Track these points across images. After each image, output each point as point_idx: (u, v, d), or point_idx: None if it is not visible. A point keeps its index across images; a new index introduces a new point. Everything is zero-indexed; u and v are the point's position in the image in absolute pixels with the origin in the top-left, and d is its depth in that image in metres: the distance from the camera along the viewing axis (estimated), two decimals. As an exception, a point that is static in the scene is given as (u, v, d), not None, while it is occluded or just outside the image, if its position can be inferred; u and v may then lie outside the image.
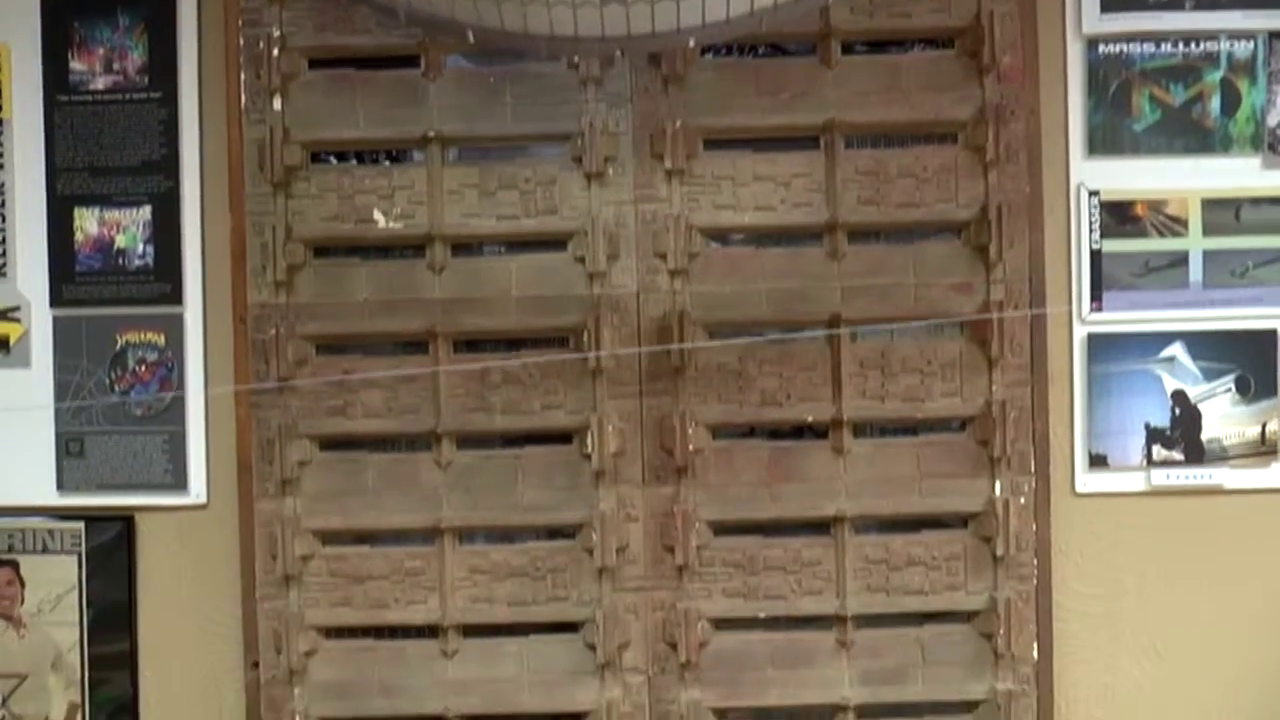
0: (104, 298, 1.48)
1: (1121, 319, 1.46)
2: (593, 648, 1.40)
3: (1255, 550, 1.47)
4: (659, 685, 1.41)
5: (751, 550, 1.41)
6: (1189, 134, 1.45)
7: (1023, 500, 1.40)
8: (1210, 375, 1.45)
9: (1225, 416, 1.46)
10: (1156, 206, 1.46)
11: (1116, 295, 1.46)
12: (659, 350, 1.38)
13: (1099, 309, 1.46)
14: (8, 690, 1.51)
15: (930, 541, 1.41)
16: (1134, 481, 1.46)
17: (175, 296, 1.48)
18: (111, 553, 1.49)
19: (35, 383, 1.48)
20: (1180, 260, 1.46)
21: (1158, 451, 1.45)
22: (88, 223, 1.48)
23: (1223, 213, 1.46)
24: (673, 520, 1.39)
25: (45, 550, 1.50)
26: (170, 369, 1.47)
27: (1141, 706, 1.48)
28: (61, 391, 1.48)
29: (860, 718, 1.42)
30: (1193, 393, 1.45)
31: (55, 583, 1.50)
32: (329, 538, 1.42)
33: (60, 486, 1.49)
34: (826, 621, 1.42)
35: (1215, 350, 1.45)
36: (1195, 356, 1.45)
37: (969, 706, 1.43)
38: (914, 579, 1.41)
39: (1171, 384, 1.45)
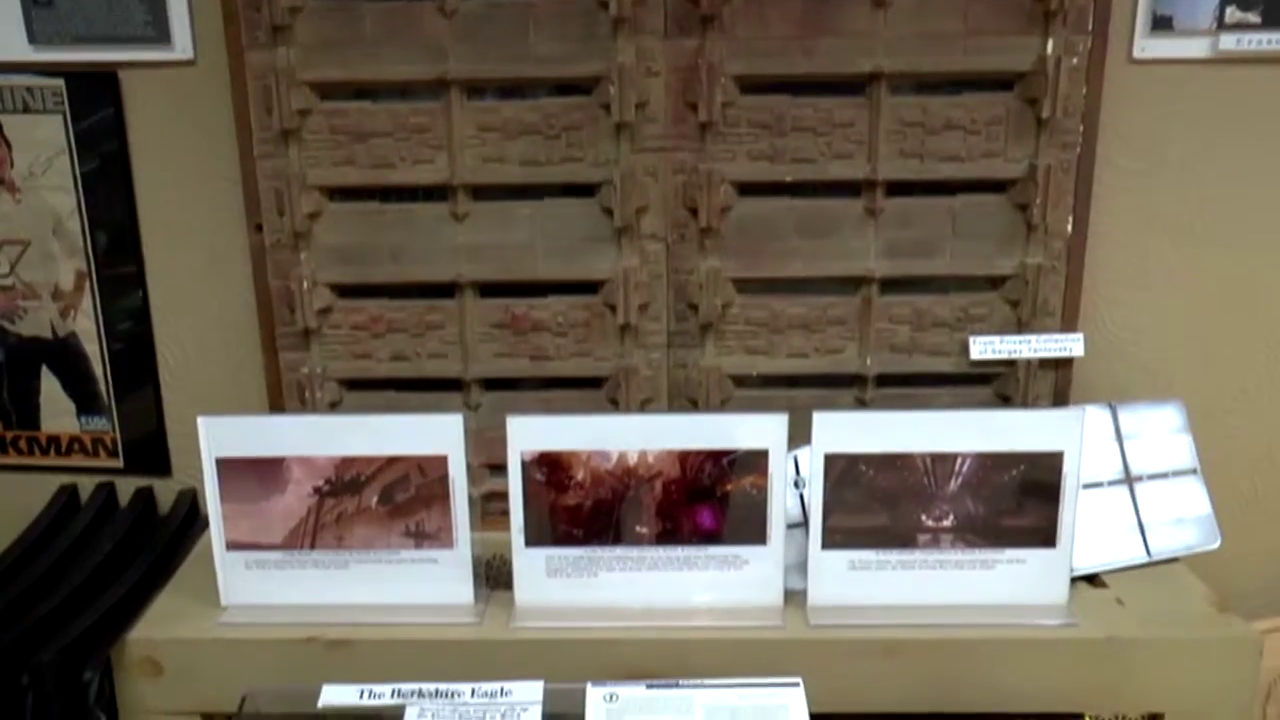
0: None
1: None
2: (609, 211, 1.33)
3: (1322, 128, 1.37)
4: (678, 254, 1.36)
5: (780, 109, 1.31)
6: None
7: (1075, 61, 1.29)
8: (1303, -79, 1.30)
9: (1311, -28, 1.31)
10: None
11: None
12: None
13: None
14: (13, 257, 1.47)
15: (971, 104, 1.32)
16: (1199, 47, 1.34)
17: None
18: (98, 114, 1.40)
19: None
20: None
21: (1231, 13, 1.32)
22: None
23: None
24: (697, 75, 1.28)
25: (27, 110, 1.41)
26: (140, -99, 1.33)
27: (1171, 292, 1.44)
28: (20, -75, 1.34)
29: (884, 290, 1.38)
30: (1280, -58, 1.31)
31: (43, 144, 1.43)
32: (327, 91, 1.33)
33: (32, 40, 1.38)
34: (855, 187, 1.34)
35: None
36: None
37: (995, 282, 1.38)
38: (951, 144, 1.32)
39: (1257, -69, 1.31)
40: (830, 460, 1.17)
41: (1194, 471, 1.33)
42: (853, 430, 1.16)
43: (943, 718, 1.17)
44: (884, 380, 1.40)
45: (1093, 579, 1.28)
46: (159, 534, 1.45)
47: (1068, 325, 1.37)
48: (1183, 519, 1.31)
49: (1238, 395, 1.48)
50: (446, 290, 1.37)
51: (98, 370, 1.50)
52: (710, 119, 1.29)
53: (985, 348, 1.36)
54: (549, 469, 1.17)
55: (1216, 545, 1.31)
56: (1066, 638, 1.17)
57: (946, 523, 1.19)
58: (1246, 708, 1.21)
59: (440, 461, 1.17)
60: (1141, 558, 1.30)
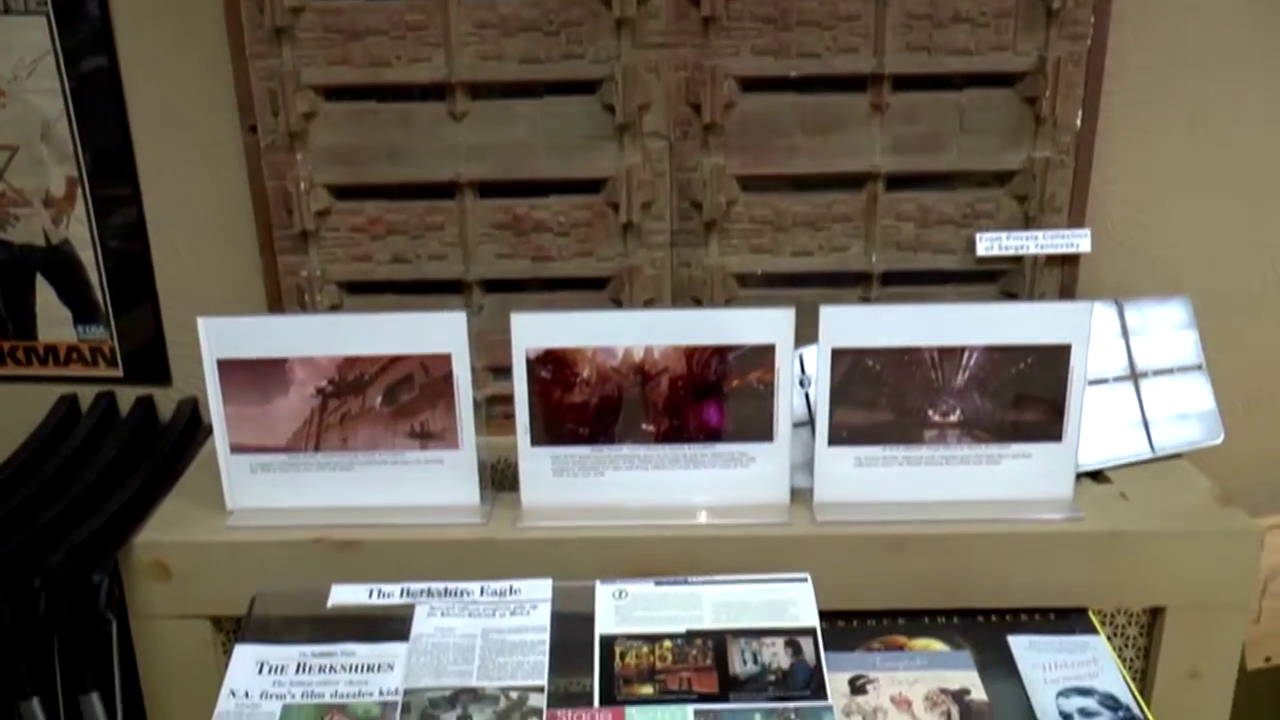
0: None
1: None
2: (611, 109, 1.31)
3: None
4: (681, 151, 1.34)
5: (784, 2, 1.28)
6: None
7: (1088, -52, 1.26)
8: None
9: None
10: None
11: None
12: None
13: None
14: (2, 163, 1.44)
15: (981, -7, 1.29)
16: (1215, -69, 1.31)
17: None
18: (84, 15, 1.37)
19: None
20: None
21: (1247, -106, 1.29)
22: None
23: None
24: (699, -34, 1.25)
25: (8, 10, 1.38)
26: None
27: (1180, 188, 1.42)
28: None
29: (890, 187, 1.36)
30: None
31: (26, 46, 1.39)
32: (319, -14, 1.29)
33: (9, -66, 1.34)
34: (861, 82, 1.32)
35: None
36: None
37: (1003, 178, 1.37)
38: (959, 37, 1.30)
39: None
40: (837, 355, 1.16)
41: (1199, 367, 1.33)
42: (860, 324, 1.16)
43: (949, 613, 1.18)
44: (889, 278, 1.39)
45: (1096, 475, 1.28)
46: (161, 442, 1.45)
47: (1075, 221, 1.36)
48: (1187, 415, 1.31)
49: (1244, 293, 1.47)
50: (446, 191, 1.35)
51: (93, 278, 1.48)
52: (713, 13, 1.26)
53: (991, 244, 1.35)
54: (554, 367, 1.16)
55: (1219, 441, 1.31)
56: (1072, 531, 1.18)
57: (953, 418, 1.19)
58: (1245, 600, 1.22)
59: (444, 360, 1.16)
60: (1145, 453, 1.30)
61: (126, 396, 1.54)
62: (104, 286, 1.49)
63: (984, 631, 1.17)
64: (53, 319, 1.51)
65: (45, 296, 1.50)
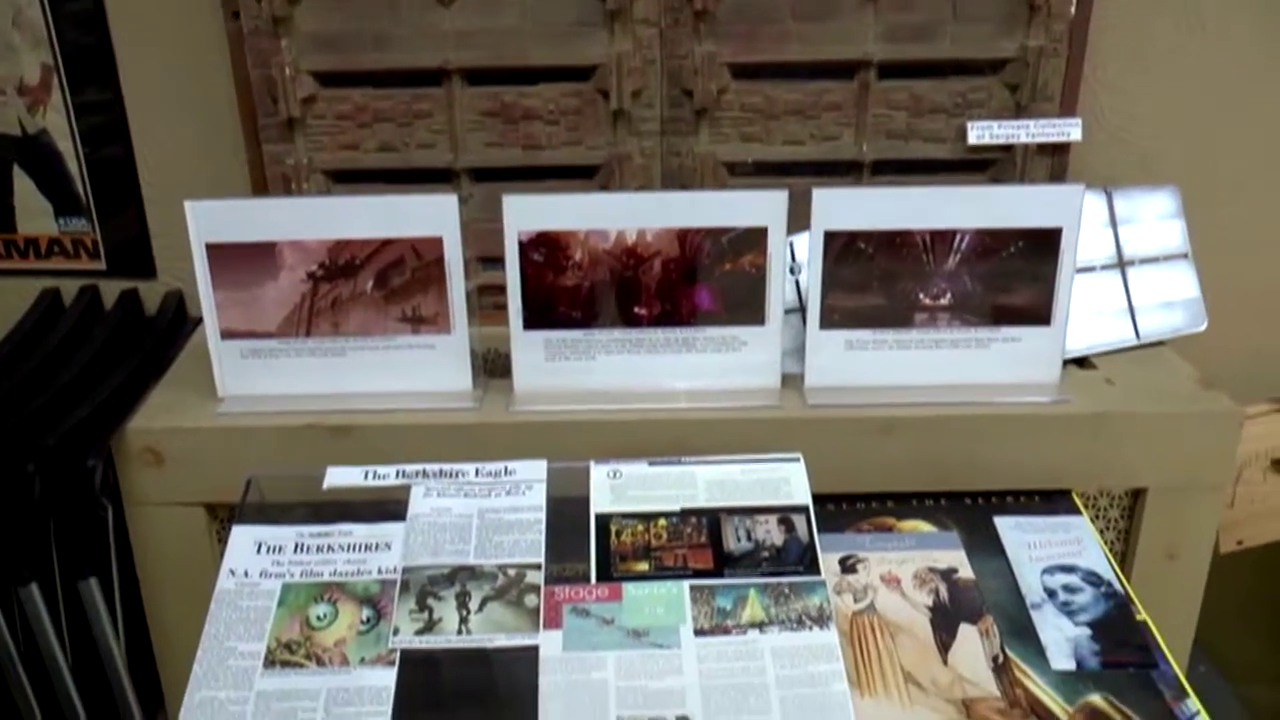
0: None
1: None
2: (601, -6, 1.29)
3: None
4: (672, 38, 1.32)
5: (778, -119, 1.26)
6: None
7: None
8: None
9: None
10: None
11: None
12: None
13: None
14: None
15: (977, -126, 1.26)
16: None
17: None
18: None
19: None
20: None
21: None
22: None
23: None
24: None
25: (-20, -113, 1.33)
26: None
27: (1171, 78, 1.42)
28: None
29: (882, 75, 1.35)
30: None
31: (-5, -75, 1.35)
32: None
33: None
34: (855, -33, 1.30)
35: None
36: None
37: (995, 66, 1.36)
38: (954, -81, 1.28)
39: None
40: (830, 237, 1.16)
41: (1185, 256, 1.34)
42: (853, 206, 1.15)
43: (936, 496, 1.20)
44: (880, 167, 1.38)
45: (1082, 362, 1.30)
46: (148, 334, 1.44)
47: (1066, 110, 1.35)
48: (1171, 302, 1.32)
49: (1232, 186, 1.47)
50: (434, 78, 1.33)
51: (73, 169, 1.46)
52: (705, -107, 1.24)
53: (983, 133, 1.35)
54: (546, 249, 1.16)
55: (1203, 328, 1.33)
56: (1058, 414, 1.19)
57: (943, 301, 1.19)
58: (1224, 482, 1.25)
59: (435, 243, 1.16)
60: (1130, 340, 1.31)
61: (110, 290, 1.52)
62: (84, 178, 1.46)
63: (971, 513, 1.19)
64: (32, 211, 1.49)
65: (24, 188, 1.48)
